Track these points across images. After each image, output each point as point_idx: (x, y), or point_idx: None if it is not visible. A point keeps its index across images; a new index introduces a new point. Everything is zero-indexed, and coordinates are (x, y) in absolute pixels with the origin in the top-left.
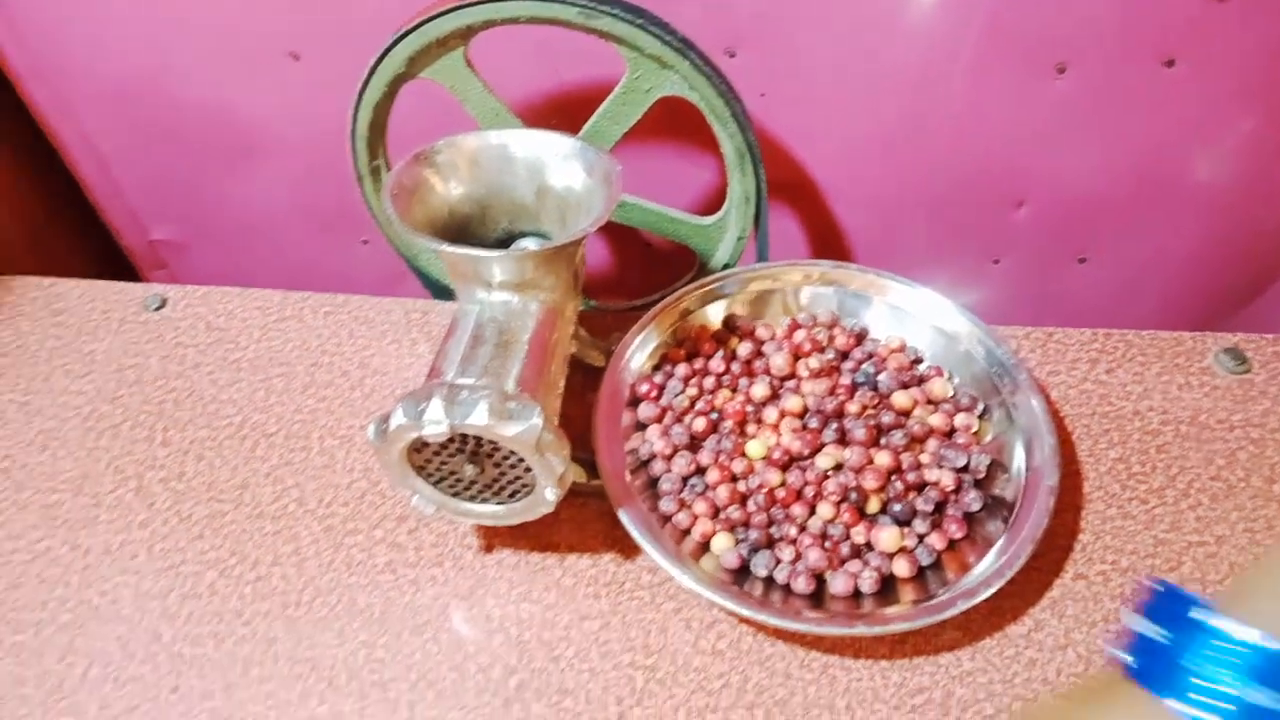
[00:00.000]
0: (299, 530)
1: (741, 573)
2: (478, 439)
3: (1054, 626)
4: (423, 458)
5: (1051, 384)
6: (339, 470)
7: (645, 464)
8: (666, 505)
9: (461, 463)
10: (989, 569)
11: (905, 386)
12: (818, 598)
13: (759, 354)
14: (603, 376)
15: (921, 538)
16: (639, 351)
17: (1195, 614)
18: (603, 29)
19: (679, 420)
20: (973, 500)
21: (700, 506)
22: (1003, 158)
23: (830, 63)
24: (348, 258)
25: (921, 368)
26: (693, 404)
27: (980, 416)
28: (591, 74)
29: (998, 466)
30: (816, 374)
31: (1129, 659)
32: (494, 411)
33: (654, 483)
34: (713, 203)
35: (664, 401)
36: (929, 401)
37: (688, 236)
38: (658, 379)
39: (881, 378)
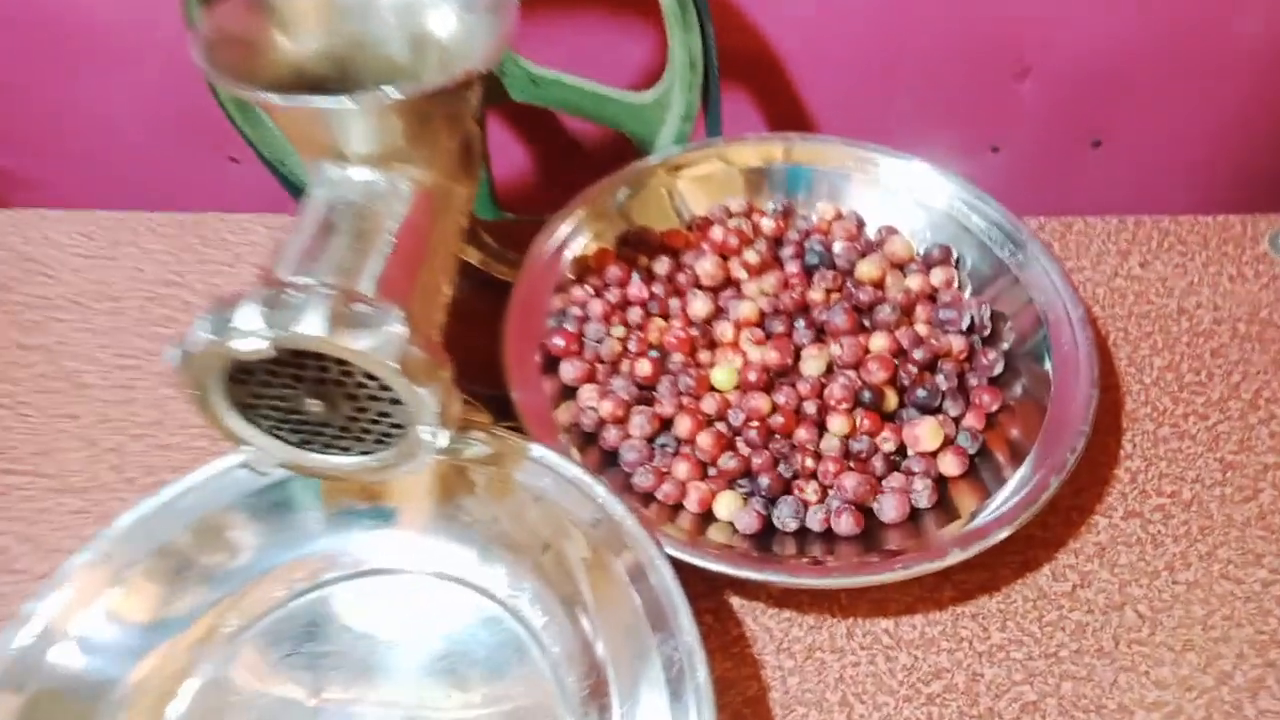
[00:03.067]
0: (113, 506)
1: (764, 535)
2: (321, 361)
3: (1105, 580)
4: (248, 392)
5: (1076, 282)
6: (170, 427)
7: (593, 438)
8: (642, 479)
9: (301, 397)
10: (1022, 484)
11: (864, 255)
12: (867, 536)
13: (679, 266)
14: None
15: (957, 421)
16: (558, 255)
17: None
18: None
19: (615, 371)
20: (994, 361)
21: (682, 468)
22: (1005, 17)
23: None
24: (216, 179)
25: (870, 231)
26: (624, 345)
27: (956, 265)
28: None
29: (999, 319)
30: (758, 270)
31: None
32: (334, 316)
33: (612, 457)
34: (650, 75)
35: (588, 353)
36: (895, 266)
37: (620, 119)
38: (569, 325)
39: (836, 251)
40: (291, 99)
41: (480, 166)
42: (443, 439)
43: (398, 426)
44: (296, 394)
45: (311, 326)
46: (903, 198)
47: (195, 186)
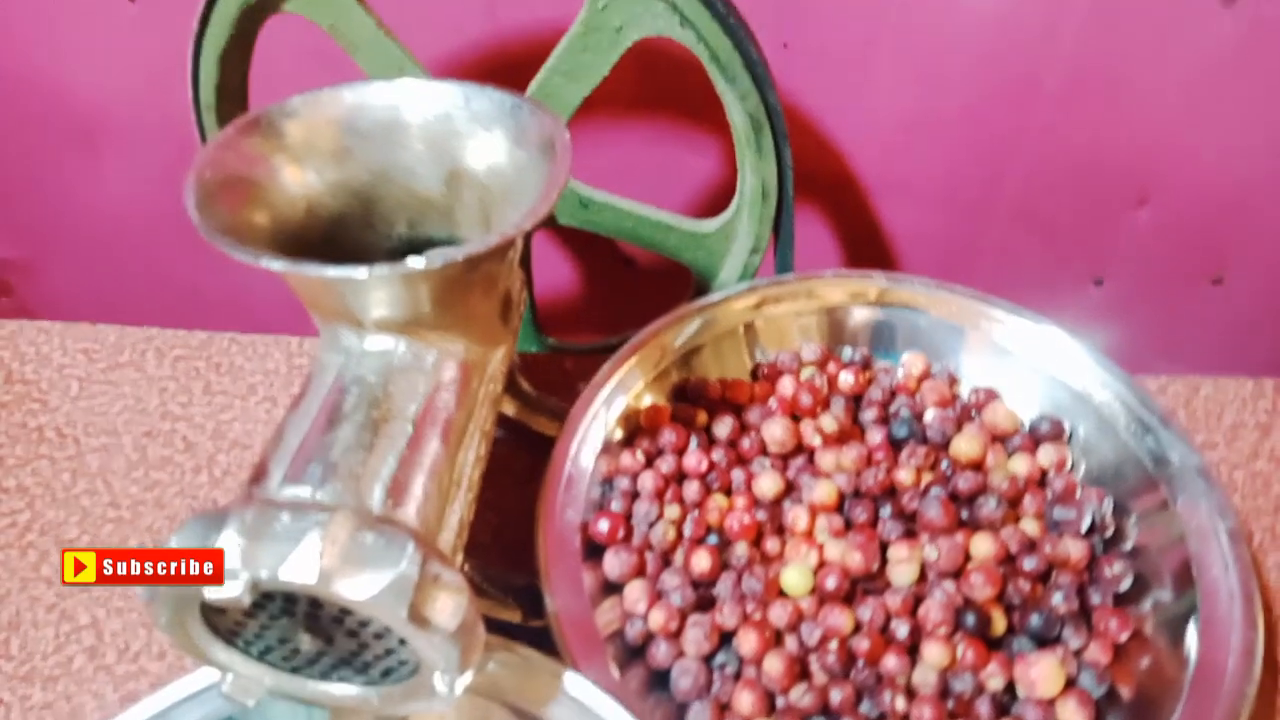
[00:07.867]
0: (84, 701)
1: None
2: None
3: None
4: (232, 620)
5: (1217, 472)
6: None
7: (639, 650)
8: (698, 717)
9: (295, 628)
10: None
11: (960, 426)
12: None
13: (744, 428)
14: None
15: (1078, 655)
16: (606, 410)
17: None
18: None
19: (666, 563)
20: (1121, 573)
21: (746, 700)
22: (1125, 139)
23: (884, 2)
24: (243, 280)
25: (963, 391)
26: (680, 531)
27: (1068, 442)
28: (542, 15)
29: (1122, 513)
30: (837, 439)
31: None
32: (328, 555)
33: (662, 678)
34: (716, 201)
35: (637, 539)
36: (995, 439)
37: (680, 249)
38: (616, 503)
39: (928, 420)
40: (294, 265)
41: (521, 313)
42: (460, 685)
43: (404, 662)
44: (287, 625)
45: (299, 571)
46: (999, 352)
47: (218, 286)
